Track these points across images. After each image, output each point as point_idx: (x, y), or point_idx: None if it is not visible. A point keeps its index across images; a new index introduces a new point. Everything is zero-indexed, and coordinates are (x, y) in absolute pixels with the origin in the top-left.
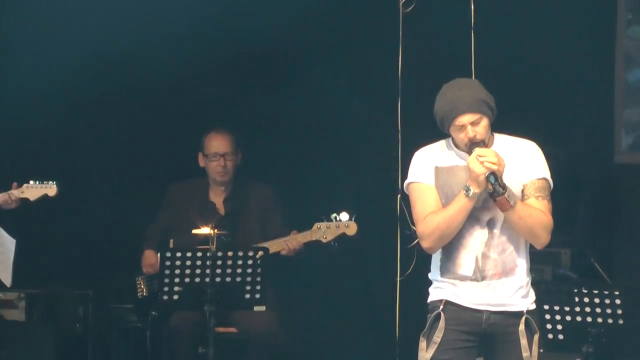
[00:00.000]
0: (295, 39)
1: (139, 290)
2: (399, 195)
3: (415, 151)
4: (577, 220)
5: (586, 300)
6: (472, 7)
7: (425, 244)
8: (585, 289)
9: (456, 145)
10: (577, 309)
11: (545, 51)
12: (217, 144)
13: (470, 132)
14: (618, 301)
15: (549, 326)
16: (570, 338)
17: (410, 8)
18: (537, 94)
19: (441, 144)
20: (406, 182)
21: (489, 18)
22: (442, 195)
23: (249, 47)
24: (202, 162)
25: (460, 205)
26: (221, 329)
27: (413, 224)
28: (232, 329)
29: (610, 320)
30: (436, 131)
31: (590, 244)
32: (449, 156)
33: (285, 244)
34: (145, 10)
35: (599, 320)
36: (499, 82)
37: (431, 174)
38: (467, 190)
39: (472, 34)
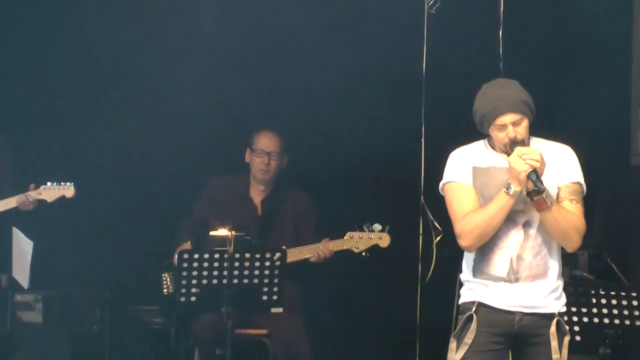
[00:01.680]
0: (315, 39)
1: (164, 286)
2: (422, 198)
3: (450, 152)
4: (594, 222)
5: (603, 301)
6: (502, 8)
7: (463, 243)
8: (602, 291)
9: (492, 146)
10: (594, 310)
11: (561, 53)
12: (266, 141)
13: (512, 132)
14: (635, 302)
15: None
16: (587, 340)
17: (435, 8)
18: (553, 95)
19: (479, 144)
20: (442, 182)
21: (506, 23)
22: (480, 196)
23: (269, 50)
24: (248, 157)
25: (501, 203)
26: (239, 331)
27: (434, 227)
28: (251, 331)
29: (627, 322)
30: (460, 133)
31: (607, 245)
32: (487, 157)
33: (316, 251)
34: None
35: (616, 321)
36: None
37: (469, 174)
38: (508, 188)
39: (500, 34)
